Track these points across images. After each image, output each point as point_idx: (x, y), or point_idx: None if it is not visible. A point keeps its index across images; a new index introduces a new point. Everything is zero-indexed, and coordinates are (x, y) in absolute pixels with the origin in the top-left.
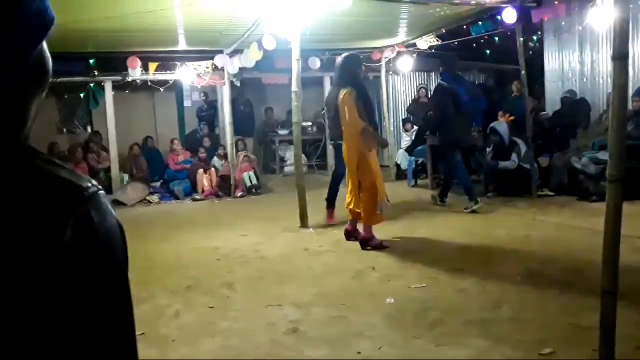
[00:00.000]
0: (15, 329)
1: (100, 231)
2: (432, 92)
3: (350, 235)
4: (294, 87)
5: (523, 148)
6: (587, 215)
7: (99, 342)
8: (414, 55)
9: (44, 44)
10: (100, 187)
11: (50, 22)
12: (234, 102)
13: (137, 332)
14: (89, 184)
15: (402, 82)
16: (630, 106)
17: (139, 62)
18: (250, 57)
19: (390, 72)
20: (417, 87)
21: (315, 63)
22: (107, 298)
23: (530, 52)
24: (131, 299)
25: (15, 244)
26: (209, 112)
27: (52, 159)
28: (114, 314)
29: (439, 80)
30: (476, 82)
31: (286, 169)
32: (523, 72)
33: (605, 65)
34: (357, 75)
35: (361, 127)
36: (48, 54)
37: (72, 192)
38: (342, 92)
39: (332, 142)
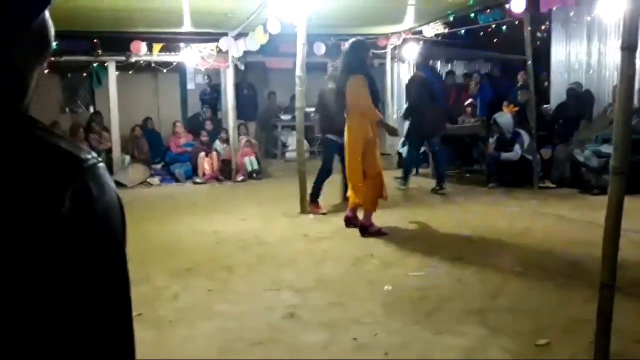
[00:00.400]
0: (10, 295)
1: (98, 203)
2: (408, 81)
3: (350, 222)
4: (298, 72)
5: (526, 139)
6: (588, 208)
7: (94, 314)
8: (421, 42)
9: (47, 14)
10: (100, 159)
11: None
12: (237, 86)
13: (135, 313)
14: (89, 156)
15: (408, 70)
16: (635, 100)
17: (142, 46)
18: (256, 40)
19: (396, 60)
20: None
21: (320, 49)
22: (103, 270)
23: (538, 43)
24: (128, 272)
25: (13, 211)
26: (212, 95)
27: (52, 130)
28: (110, 286)
29: (416, 70)
30: (481, 72)
31: (288, 154)
32: (529, 62)
33: (612, 57)
34: (365, 61)
35: (378, 119)
36: (50, 23)
37: (70, 162)
38: (353, 79)
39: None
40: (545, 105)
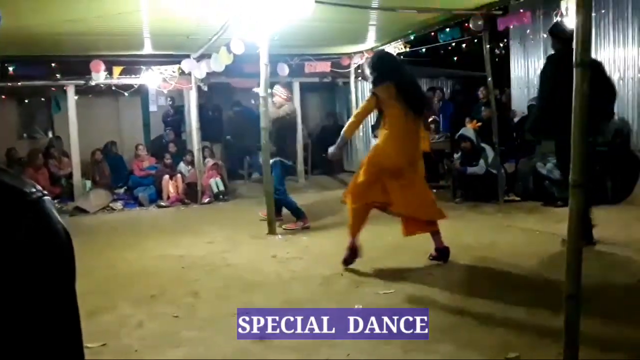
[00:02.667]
0: None
1: (43, 237)
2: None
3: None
4: (262, 93)
5: (490, 154)
6: (552, 220)
7: (42, 351)
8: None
9: None
10: (45, 192)
11: None
12: (201, 107)
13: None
14: (33, 189)
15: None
16: None
17: (102, 66)
18: (221, 61)
19: (359, 78)
20: None
21: (284, 69)
22: (49, 305)
23: (497, 60)
24: (77, 308)
25: None
26: (175, 117)
27: None
28: (58, 324)
29: None
30: (444, 89)
31: (254, 175)
32: (489, 78)
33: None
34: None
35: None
36: None
37: (14, 197)
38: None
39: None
40: (513, 109)
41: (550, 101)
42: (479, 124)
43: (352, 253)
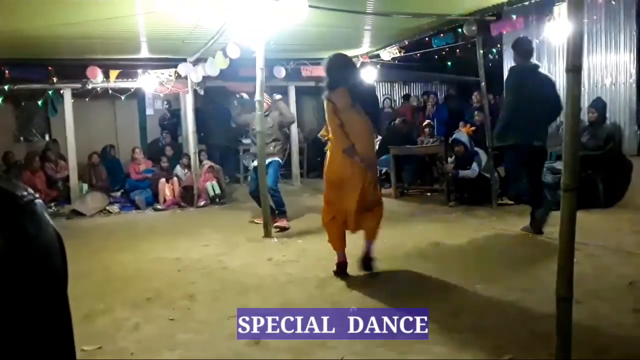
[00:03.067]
0: None
1: (34, 241)
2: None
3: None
4: (257, 96)
5: (483, 158)
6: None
7: (31, 357)
8: (378, 66)
9: None
10: (37, 196)
11: None
12: (198, 111)
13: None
14: (25, 193)
15: None
16: (585, 117)
17: (99, 72)
18: (216, 66)
19: None
20: (382, 97)
21: (281, 72)
22: (42, 308)
23: (490, 65)
24: (69, 311)
25: None
26: (171, 120)
27: None
28: (48, 328)
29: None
30: (438, 93)
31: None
32: (483, 83)
33: (562, 77)
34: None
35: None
36: None
37: (5, 200)
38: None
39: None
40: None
41: (513, 110)
42: (473, 128)
43: (339, 268)
